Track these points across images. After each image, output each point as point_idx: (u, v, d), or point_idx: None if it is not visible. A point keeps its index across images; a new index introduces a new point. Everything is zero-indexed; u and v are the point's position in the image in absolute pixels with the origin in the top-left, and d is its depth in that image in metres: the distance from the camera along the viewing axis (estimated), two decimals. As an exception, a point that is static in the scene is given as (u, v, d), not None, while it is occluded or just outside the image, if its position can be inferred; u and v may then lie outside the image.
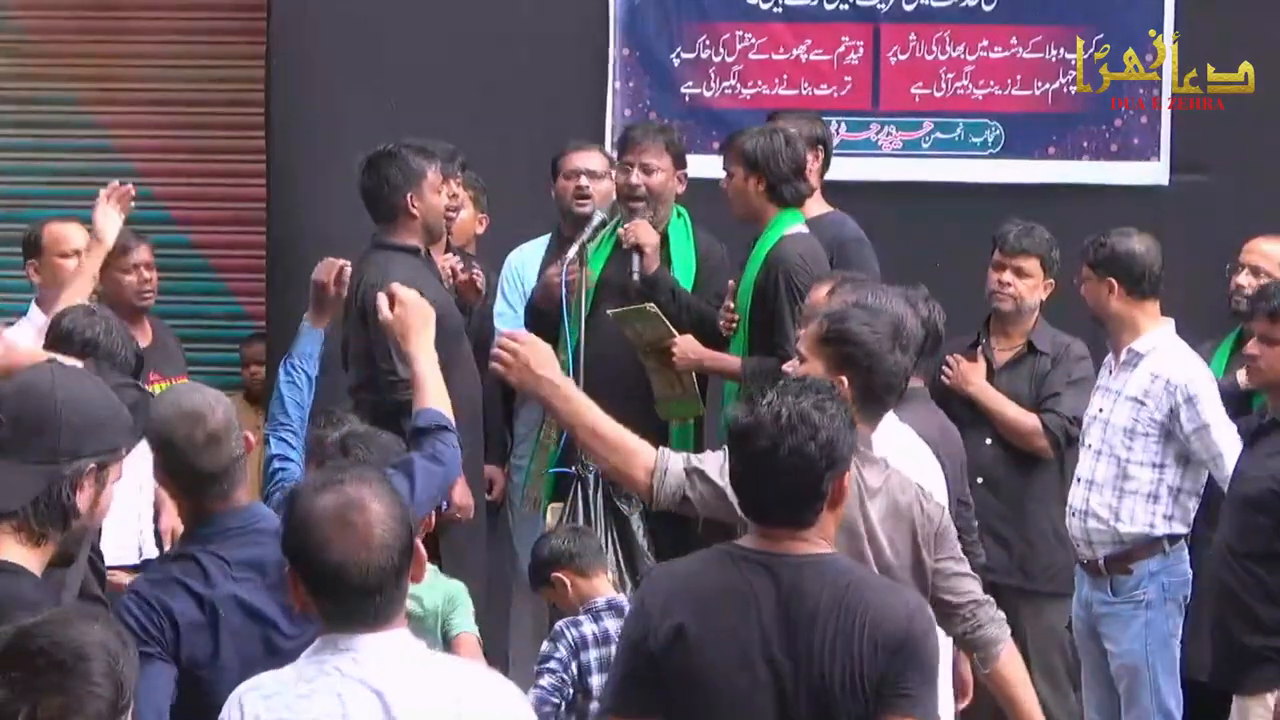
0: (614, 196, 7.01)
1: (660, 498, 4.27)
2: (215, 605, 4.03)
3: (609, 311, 6.65)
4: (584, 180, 7.08)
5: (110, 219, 6.51)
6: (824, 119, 7.39)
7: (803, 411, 3.60)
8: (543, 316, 6.81)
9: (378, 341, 6.29)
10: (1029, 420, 6.75)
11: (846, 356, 4.22)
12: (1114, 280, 6.28)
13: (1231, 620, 5.62)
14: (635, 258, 6.74)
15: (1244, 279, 6.81)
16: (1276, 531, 5.54)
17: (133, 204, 6.61)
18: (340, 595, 3.27)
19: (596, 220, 6.82)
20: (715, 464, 4.23)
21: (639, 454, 4.32)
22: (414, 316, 4.72)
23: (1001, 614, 4.41)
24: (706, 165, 7.07)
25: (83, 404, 3.49)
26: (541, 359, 4.44)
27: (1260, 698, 5.52)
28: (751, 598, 3.60)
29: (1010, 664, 4.41)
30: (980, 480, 6.54)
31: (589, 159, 7.16)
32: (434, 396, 4.59)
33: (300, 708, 3.26)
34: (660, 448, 4.36)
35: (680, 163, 6.93)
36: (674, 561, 3.94)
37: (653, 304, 6.57)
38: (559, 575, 5.68)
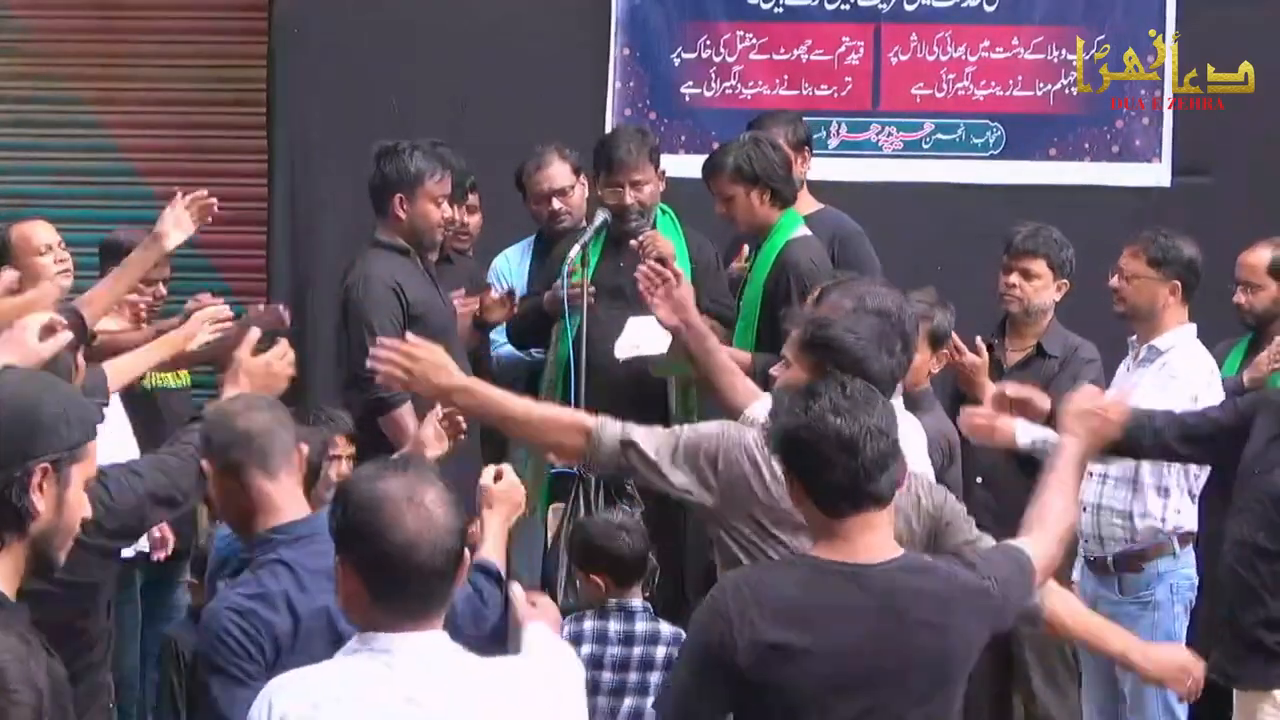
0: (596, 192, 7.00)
1: (594, 463, 4.37)
2: (304, 618, 3.96)
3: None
4: (555, 203, 7.01)
5: (182, 223, 6.11)
6: (822, 119, 7.38)
7: (854, 393, 3.66)
8: (549, 323, 6.79)
9: (354, 339, 6.26)
10: None
11: (832, 363, 4.15)
12: (1179, 283, 6.23)
13: (1243, 615, 5.59)
14: None
15: (1240, 297, 6.83)
16: None
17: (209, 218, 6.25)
18: (402, 579, 3.23)
19: (598, 221, 6.77)
20: (652, 442, 4.26)
21: (571, 426, 4.37)
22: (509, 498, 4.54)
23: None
24: (705, 165, 7.07)
25: (23, 407, 3.21)
26: (439, 364, 4.42)
27: (1269, 694, 5.50)
28: (851, 611, 3.62)
29: (1059, 602, 4.39)
30: (980, 480, 6.52)
31: (553, 176, 7.04)
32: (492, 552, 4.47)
33: (330, 710, 3.21)
34: (597, 416, 4.37)
35: (658, 161, 6.87)
36: (749, 572, 3.92)
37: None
38: (598, 580, 5.59)
